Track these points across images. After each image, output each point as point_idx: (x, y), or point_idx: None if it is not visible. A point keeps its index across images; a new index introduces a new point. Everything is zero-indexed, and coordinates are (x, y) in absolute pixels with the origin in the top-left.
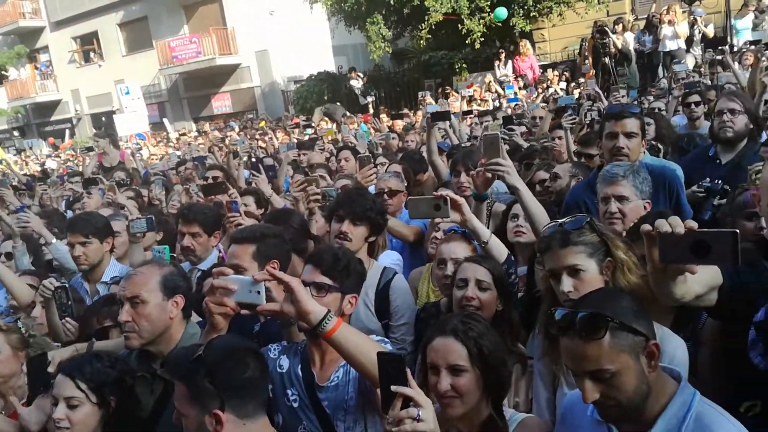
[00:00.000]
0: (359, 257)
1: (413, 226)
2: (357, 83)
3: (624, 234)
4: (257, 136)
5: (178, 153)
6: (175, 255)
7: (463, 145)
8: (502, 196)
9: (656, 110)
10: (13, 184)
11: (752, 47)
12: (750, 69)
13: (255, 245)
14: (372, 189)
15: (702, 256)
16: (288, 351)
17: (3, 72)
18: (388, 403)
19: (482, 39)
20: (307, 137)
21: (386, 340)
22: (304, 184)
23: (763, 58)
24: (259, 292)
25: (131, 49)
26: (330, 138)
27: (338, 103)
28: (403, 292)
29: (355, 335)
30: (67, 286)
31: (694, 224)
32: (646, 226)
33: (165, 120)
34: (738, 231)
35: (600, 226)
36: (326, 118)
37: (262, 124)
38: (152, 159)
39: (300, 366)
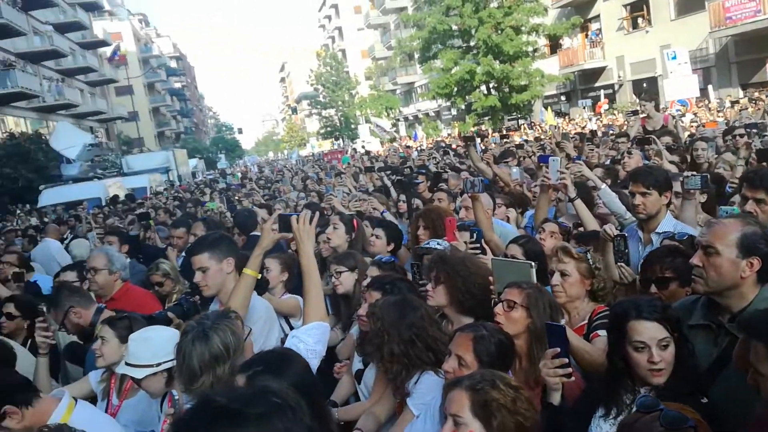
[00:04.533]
0: None
1: None
2: None
3: None
4: None
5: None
6: None
7: None
8: None
9: None
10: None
11: None
12: None
13: None
14: None
15: None
16: None
17: (558, 41)
18: None
19: None
20: None
21: None
22: None
23: None
24: None
25: (680, 12)
26: None
27: None
28: None
29: None
30: (626, 235)
31: None
32: None
33: (709, 87)
34: None
35: None
36: None
37: None
38: (692, 126)
39: None
